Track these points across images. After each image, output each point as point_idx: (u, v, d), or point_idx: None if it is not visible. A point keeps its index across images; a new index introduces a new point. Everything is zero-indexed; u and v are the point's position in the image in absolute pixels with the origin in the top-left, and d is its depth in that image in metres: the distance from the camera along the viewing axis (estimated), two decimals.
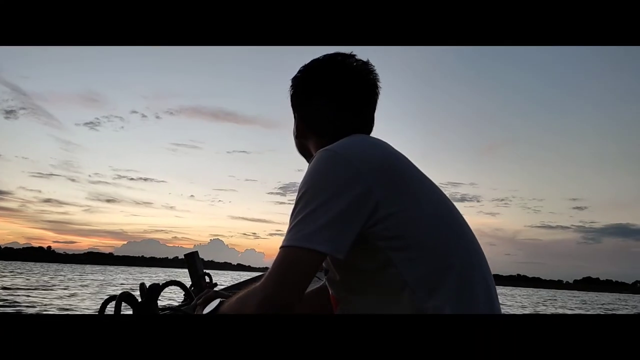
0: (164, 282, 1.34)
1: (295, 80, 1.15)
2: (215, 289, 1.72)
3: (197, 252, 1.62)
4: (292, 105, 1.17)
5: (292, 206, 0.94)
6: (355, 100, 1.08)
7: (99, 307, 1.23)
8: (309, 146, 1.16)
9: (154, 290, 1.29)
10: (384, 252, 0.90)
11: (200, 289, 1.58)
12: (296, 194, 0.94)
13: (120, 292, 1.19)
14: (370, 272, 0.93)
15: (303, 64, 1.15)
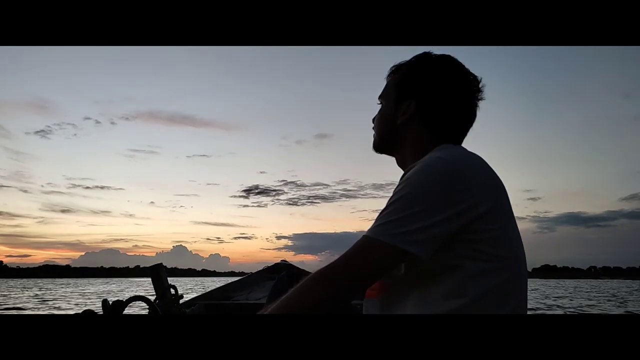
0: (127, 297, 1.30)
1: (421, 65, 1.11)
2: (181, 300, 1.69)
3: (161, 264, 1.58)
4: (409, 89, 1.11)
5: (390, 199, 0.92)
6: (471, 109, 1.10)
7: None
8: (406, 136, 1.12)
9: (117, 307, 1.25)
10: (460, 259, 0.90)
11: (166, 302, 1.53)
12: (395, 189, 0.93)
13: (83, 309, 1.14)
14: (436, 273, 0.92)
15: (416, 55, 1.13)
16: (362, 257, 0.89)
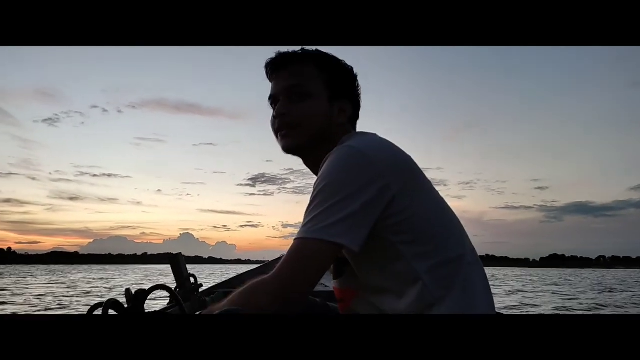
0: (149, 286, 1.32)
1: (339, 64, 1.15)
2: (201, 289, 1.70)
3: (180, 253, 1.60)
4: (342, 89, 1.13)
5: (310, 197, 0.94)
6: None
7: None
8: (336, 135, 1.09)
9: (141, 296, 1.26)
10: (394, 246, 0.94)
11: (186, 290, 1.55)
12: (314, 186, 0.95)
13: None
14: (383, 266, 0.97)
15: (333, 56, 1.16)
16: (299, 261, 0.90)
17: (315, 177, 1.00)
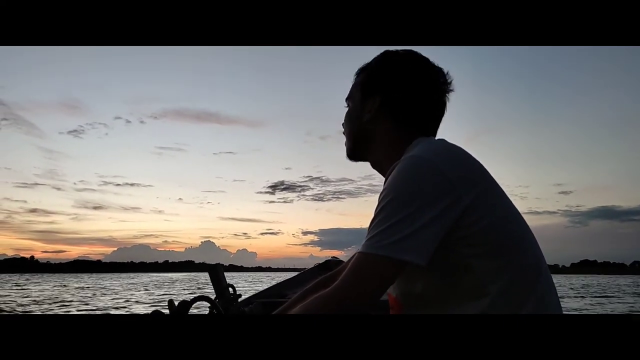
0: (191, 298, 1.31)
1: (383, 61, 1.11)
2: (240, 299, 1.69)
3: (219, 264, 1.58)
4: (373, 86, 1.10)
5: (375, 209, 0.90)
6: (437, 99, 1.08)
7: None
8: (375, 131, 1.09)
9: (184, 307, 1.26)
10: (464, 259, 0.88)
11: (225, 300, 1.54)
12: (379, 197, 0.91)
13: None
14: (448, 278, 0.90)
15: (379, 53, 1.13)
16: (361, 275, 0.87)
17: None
